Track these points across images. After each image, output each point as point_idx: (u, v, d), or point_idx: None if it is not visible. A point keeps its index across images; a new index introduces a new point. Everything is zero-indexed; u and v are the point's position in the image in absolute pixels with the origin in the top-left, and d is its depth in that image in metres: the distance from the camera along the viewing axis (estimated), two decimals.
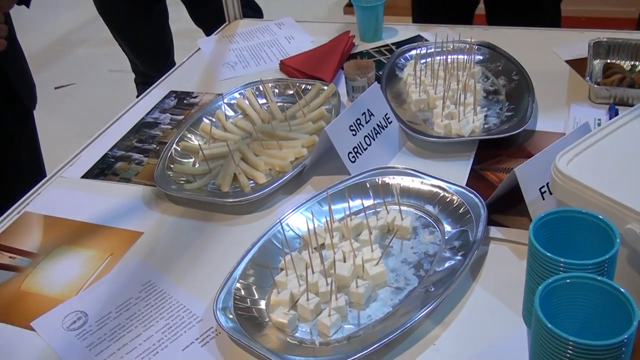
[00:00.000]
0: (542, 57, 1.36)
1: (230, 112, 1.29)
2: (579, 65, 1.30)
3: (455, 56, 1.29)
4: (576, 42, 1.39)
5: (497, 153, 1.10)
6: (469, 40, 1.36)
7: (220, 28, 1.70)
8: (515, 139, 1.11)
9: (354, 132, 1.07)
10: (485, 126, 1.15)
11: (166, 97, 1.41)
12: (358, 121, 1.08)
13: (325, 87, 1.29)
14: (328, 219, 0.94)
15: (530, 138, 1.11)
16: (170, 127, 1.30)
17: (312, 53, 1.46)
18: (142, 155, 1.22)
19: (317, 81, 1.31)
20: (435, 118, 1.17)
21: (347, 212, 0.97)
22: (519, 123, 1.12)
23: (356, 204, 1.00)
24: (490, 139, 1.10)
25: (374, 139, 1.10)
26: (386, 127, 1.13)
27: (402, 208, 0.97)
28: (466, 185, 1.01)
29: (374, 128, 1.11)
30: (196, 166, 1.15)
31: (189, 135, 1.22)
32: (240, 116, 1.29)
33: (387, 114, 1.14)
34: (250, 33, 1.65)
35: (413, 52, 1.38)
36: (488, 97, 1.24)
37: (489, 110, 1.20)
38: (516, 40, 1.40)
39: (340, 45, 1.45)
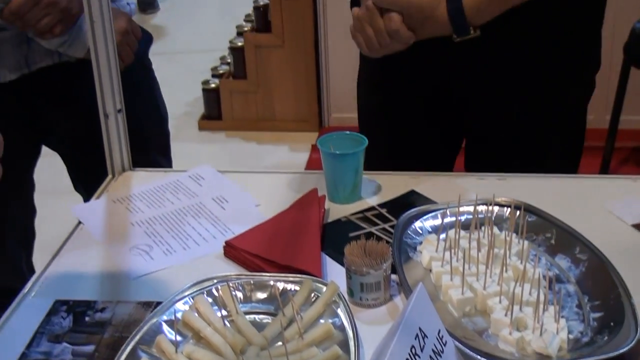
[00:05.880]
0: (597, 220, 1.39)
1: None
2: None
3: (474, 223, 1.29)
4: (634, 196, 1.45)
5: None
6: (500, 200, 1.37)
7: (102, 187, 1.57)
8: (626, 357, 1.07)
9: None
10: (570, 337, 1.12)
11: (52, 311, 1.23)
12: (413, 350, 1.01)
13: (320, 286, 1.21)
14: None
15: None
16: None
17: (273, 228, 1.38)
18: None
19: (304, 277, 1.22)
20: (496, 328, 1.13)
21: None
22: (624, 333, 1.09)
23: None
24: None
25: None
26: (442, 352, 1.06)
27: None
28: None
29: (431, 358, 1.03)
30: None
31: None
32: (191, 341, 1.15)
33: (439, 331, 1.07)
34: (154, 194, 1.55)
35: (426, 222, 1.36)
36: (549, 288, 1.21)
37: (563, 310, 1.18)
38: (544, 195, 1.44)
39: (312, 213, 1.39)
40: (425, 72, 1.60)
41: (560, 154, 1.69)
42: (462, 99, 1.64)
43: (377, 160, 1.55)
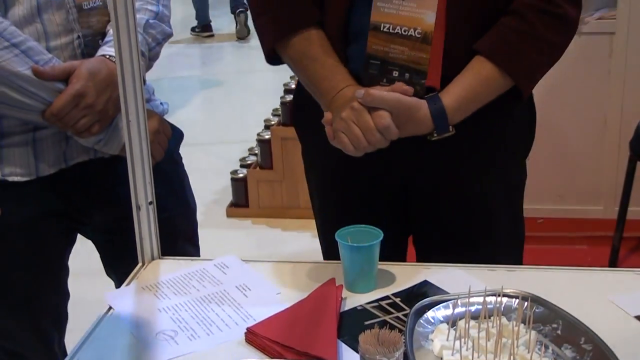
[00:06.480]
0: (601, 312, 1.39)
1: None
2: None
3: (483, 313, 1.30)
4: (637, 289, 1.45)
5: None
6: (508, 291, 1.38)
7: (133, 274, 1.60)
8: None
9: None
10: None
11: None
12: None
13: None
14: None
15: None
16: None
17: (292, 315, 1.40)
18: None
19: None
20: None
21: None
22: None
23: None
24: None
25: None
26: None
27: None
28: None
29: None
30: None
31: None
32: None
33: None
34: (180, 281, 1.57)
35: (438, 312, 1.37)
36: None
37: None
38: (551, 287, 1.45)
39: (330, 302, 1.41)
40: (381, 166, 1.65)
41: (505, 238, 1.75)
42: (411, 189, 1.69)
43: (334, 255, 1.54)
